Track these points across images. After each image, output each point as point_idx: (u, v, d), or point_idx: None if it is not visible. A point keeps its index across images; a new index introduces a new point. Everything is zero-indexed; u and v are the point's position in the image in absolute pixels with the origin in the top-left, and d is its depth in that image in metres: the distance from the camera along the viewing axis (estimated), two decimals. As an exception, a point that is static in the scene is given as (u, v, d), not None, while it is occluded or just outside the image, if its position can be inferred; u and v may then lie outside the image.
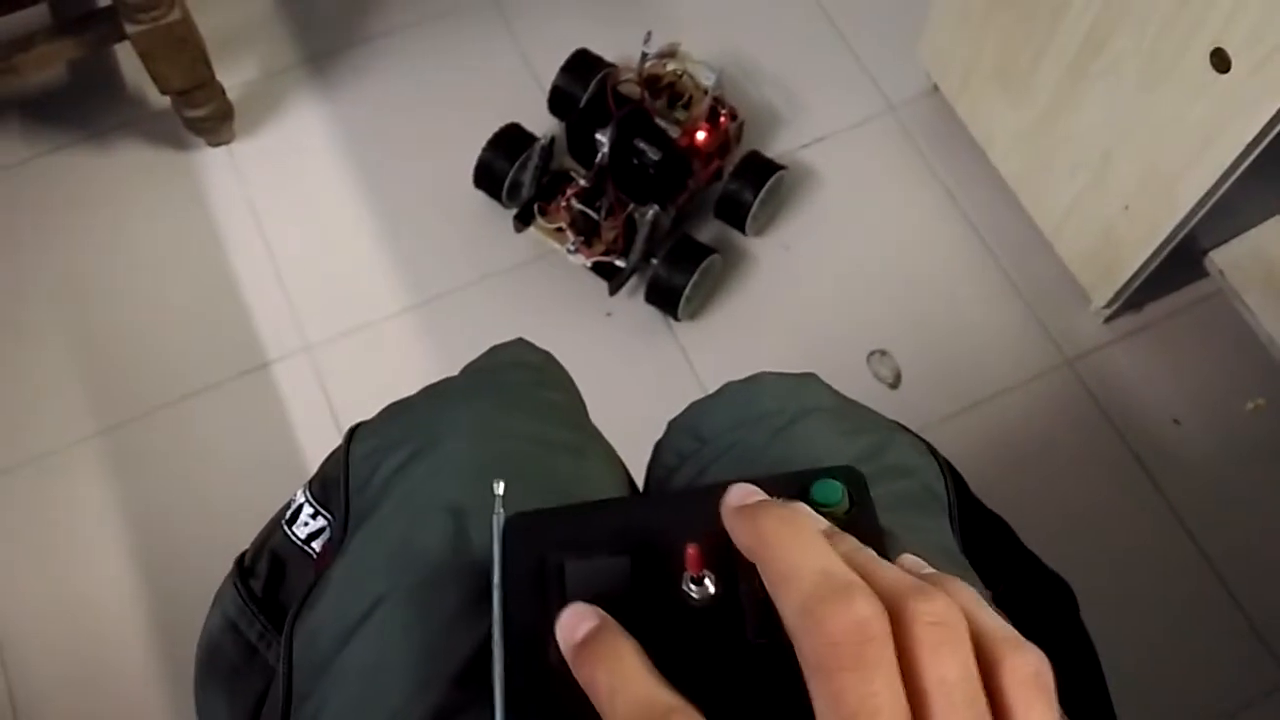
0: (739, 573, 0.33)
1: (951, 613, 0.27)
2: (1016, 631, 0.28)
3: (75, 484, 1.12)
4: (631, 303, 1.21)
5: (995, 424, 1.16)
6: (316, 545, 0.56)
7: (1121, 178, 1.04)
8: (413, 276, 1.22)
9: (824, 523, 0.31)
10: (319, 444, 1.12)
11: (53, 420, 1.15)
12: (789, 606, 0.27)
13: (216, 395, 1.16)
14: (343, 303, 1.21)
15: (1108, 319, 1.20)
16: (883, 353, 1.19)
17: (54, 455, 1.13)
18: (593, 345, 1.19)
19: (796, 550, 0.28)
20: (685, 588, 0.33)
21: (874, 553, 0.30)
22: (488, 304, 1.20)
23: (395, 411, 0.57)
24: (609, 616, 0.32)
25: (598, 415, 0.62)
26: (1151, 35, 0.93)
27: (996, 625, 0.28)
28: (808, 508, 0.31)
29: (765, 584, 0.29)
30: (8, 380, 1.17)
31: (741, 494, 0.31)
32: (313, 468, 1.14)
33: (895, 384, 1.17)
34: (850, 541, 0.30)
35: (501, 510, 0.39)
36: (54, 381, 1.17)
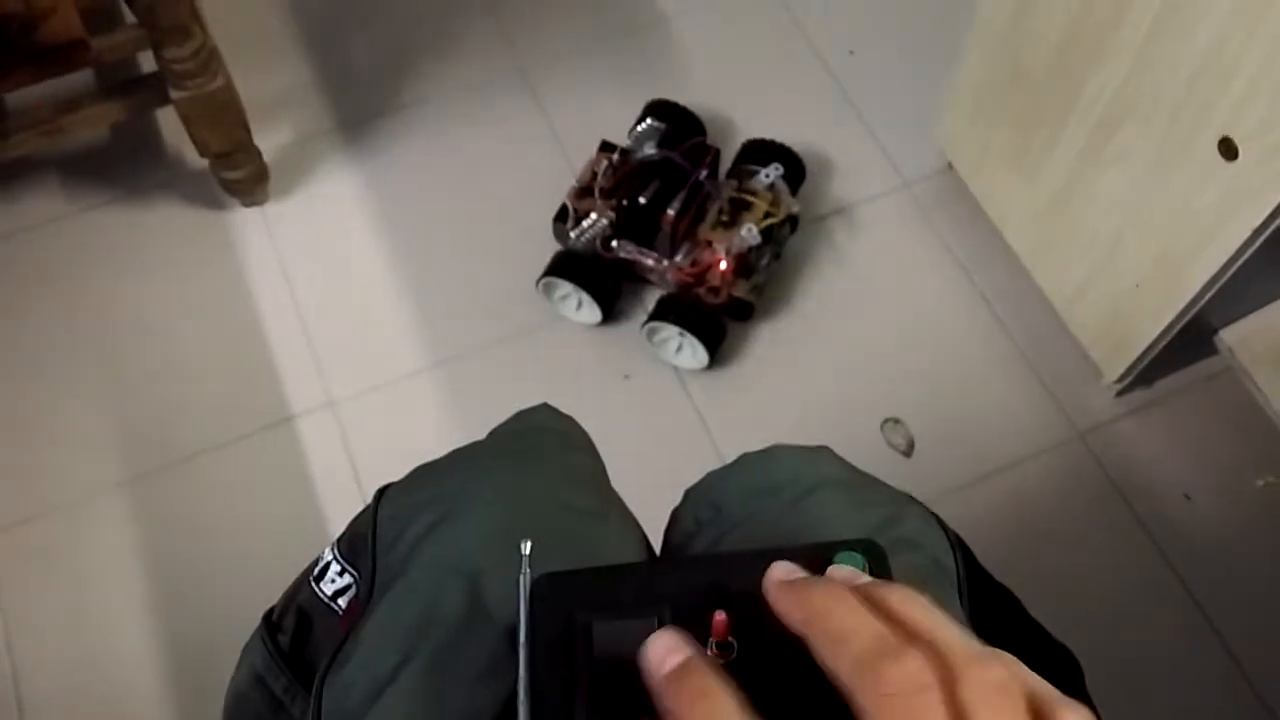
0: (763, 640, 0.35)
1: (1013, 680, 0.29)
2: (1069, 698, 0.29)
3: (98, 533, 1.14)
4: (648, 365, 1.23)
5: (1007, 495, 1.17)
6: (342, 602, 0.57)
7: (1133, 258, 1.07)
8: (435, 336, 1.25)
9: (865, 576, 0.33)
10: (340, 498, 1.15)
11: (78, 469, 1.17)
12: (845, 663, 0.29)
13: (240, 448, 1.18)
14: (367, 360, 1.23)
15: (1119, 393, 1.21)
16: (896, 421, 1.20)
17: (78, 504, 1.16)
18: (610, 406, 1.21)
19: (849, 617, 0.30)
20: (710, 653, 0.35)
21: (927, 602, 0.31)
22: (508, 364, 1.23)
23: (423, 474, 0.59)
24: (701, 650, 0.32)
25: (613, 476, 0.64)
26: (1161, 124, 0.96)
27: (1050, 690, 0.29)
28: (847, 574, 0.33)
29: (817, 650, 0.31)
30: (36, 428, 1.20)
31: (785, 571, 0.33)
32: (333, 522, 1.17)
33: (908, 452, 1.19)
34: (901, 592, 0.31)
35: (529, 570, 0.41)
36: (81, 431, 1.19)
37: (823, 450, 0.59)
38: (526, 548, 0.43)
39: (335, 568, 0.58)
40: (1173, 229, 1.01)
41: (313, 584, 0.58)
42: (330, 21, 1.45)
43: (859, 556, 0.37)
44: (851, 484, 0.56)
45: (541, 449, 0.60)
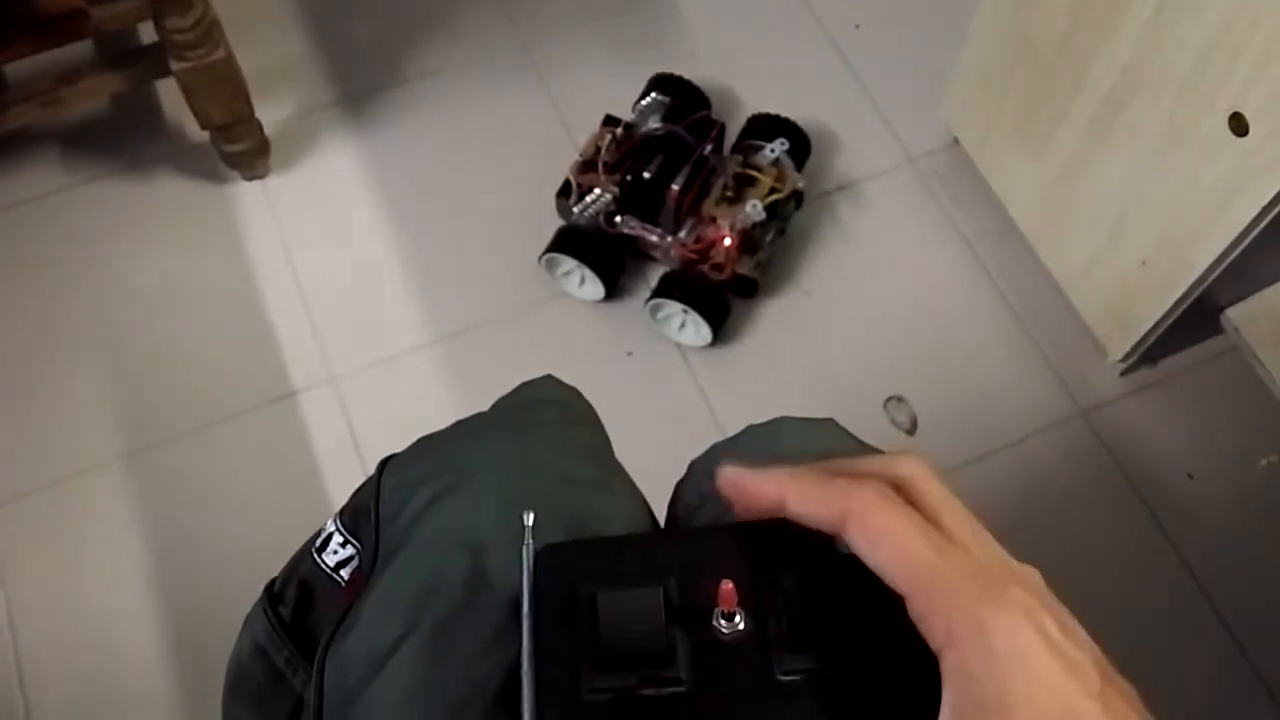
0: (768, 610, 0.34)
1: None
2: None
3: (100, 507, 1.14)
4: (651, 341, 1.23)
5: (1009, 473, 1.17)
6: (345, 574, 0.57)
7: (1139, 235, 1.06)
8: (438, 312, 1.24)
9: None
10: (342, 473, 1.14)
11: (80, 443, 1.17)
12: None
13: (242, 423, 1.18)
14: (368, 335, 1.23)
15: (1123, 372, 1.21)
16: (899, 399, 1.20)
17: (80, 478, 1.16)
18: (613, 382, 1.21)
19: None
20: (716, 623, 0.35)
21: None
22: (511, 340, 1.23)
23: (426, 445, 0.58)
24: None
25: (617, 450, 0.64)
26: (1170, 99, 0.95)
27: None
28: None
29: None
30: (37, 402, 1.19)
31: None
32: (335, 497, 1.17)
33: (911, 430, 1.19)
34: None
35: (531, 541, 0.41)
36: (82, 405, 1.19)
37: (828, 422, 0.58)
38: (530, 519, 0.43)
39: (338, 539, 0.58)
40: (1180, 206, 1.00)
41: (315, 555, 0.58)
42: (332, -6, 1.44)
43: None
44: (858, 455, 0.55)
45: (544, 420, 0.60)
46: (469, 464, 0.54)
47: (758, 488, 0.36)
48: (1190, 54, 0.92)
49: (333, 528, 0.58)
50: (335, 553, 0.57)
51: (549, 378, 0.65)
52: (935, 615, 0.32)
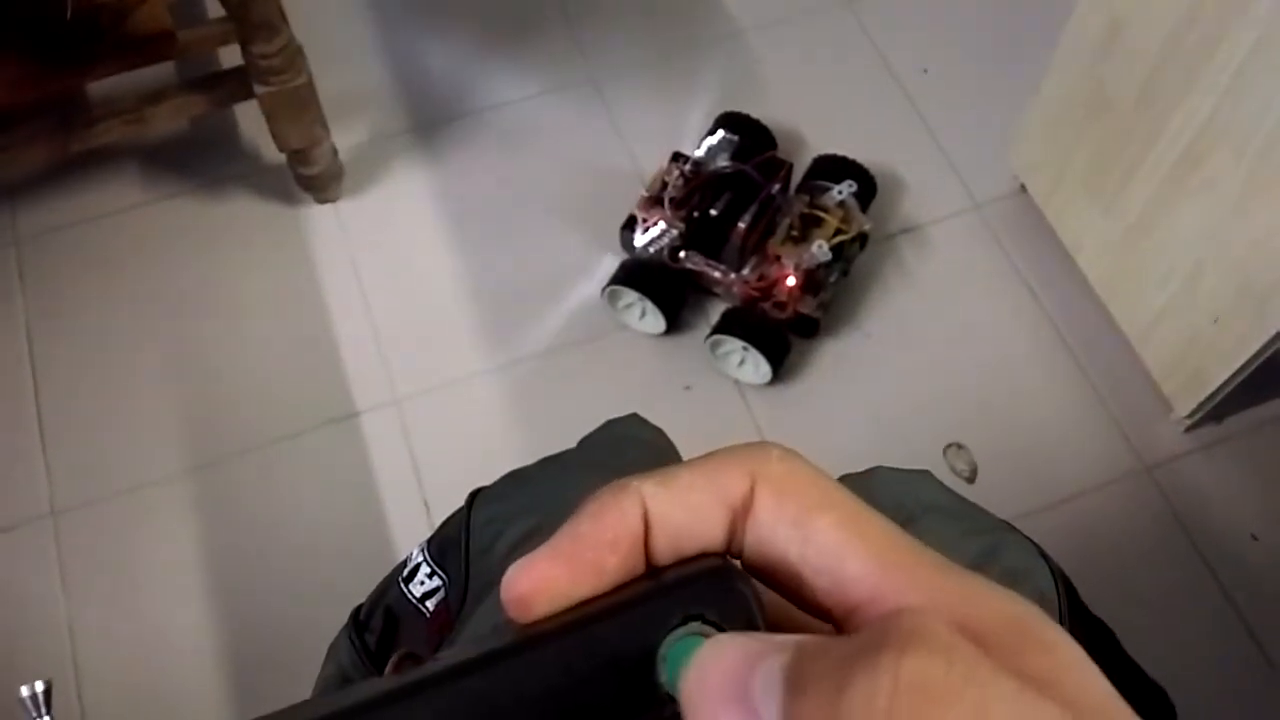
0: None
1: None
2: None
3: (162, 519, 1.16)
4: (710, 376, 1.23)
5: (1070, 526, 1.16)
6: (431, 604, 0.58)
7: (1212, 291, 1.05)
8: (500, 339, 1.25)
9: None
10: (401, 495, 1.15)
11: (145, 456, 1.19)
12: None
13: (305, 441, 1.19)
14: (432, 359, 1.24)
15: (1188, 428, 1.19)
16: (959, 446, 1.19)
17: (143, 490, 1.17)
18: (670, 416, 1.19)
19: None
20: None
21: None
22: (570, 370, 1.23)
23: (515, 480, 0.59)
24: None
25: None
26: (1251, 156, 0.95)
27: None
28: None
29: None
30: (104, 414, 1.21)
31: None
32: (394, 517, 1.17)
33: (971, 478, 1.18)
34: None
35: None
36: (149, 418, 1.21)
37: (925, 475, 0.58)
38: None
39: (425, 570, 0.58)
40: (1257, 264, 0.99)
41: (402, 585, 0.58)
42: (408, 25, 1.47)
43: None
44: (956, 511, 0.55)
45: (632, 460, 0.60)
46: (562, 501, 0.55)
47: (601, 518, 0.20)
48: (1275, 112, 0.91)
49: (420, 558, 0.59)
50: (422, 584, 0.58)
51: (634, 416, 0.65)
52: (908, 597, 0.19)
